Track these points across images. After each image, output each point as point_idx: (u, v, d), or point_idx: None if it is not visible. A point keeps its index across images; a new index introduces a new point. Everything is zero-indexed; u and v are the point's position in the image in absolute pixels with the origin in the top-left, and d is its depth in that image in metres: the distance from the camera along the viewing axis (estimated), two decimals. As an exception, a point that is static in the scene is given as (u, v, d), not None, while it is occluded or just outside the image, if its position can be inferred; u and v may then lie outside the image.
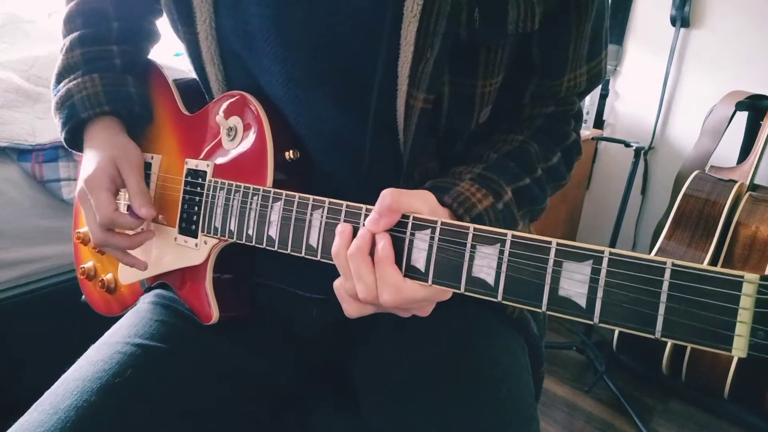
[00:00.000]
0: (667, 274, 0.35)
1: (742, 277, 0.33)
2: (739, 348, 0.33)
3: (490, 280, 0.43)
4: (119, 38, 0.75)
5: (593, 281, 0.38)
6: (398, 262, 0.48)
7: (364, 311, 0.51)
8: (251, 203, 0.59)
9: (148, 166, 0.73)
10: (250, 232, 0.60)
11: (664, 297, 0.35)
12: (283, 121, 0.63)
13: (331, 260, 0.51)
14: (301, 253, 0.55)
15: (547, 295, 0.40)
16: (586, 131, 2.11)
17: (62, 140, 0.73)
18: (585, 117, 2.11)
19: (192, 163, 0.68)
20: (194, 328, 0.67)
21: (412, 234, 0.47)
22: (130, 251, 0.70)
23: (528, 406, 0.62)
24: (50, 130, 1.29)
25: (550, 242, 0.40)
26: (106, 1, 0.75)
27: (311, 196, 0.54)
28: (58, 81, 0.73)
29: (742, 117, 1.79)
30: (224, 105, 0.65)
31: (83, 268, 0.81)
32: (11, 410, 0.61)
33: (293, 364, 0.73)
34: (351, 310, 0.51)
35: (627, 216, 1.89)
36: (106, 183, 0.66)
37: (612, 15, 2.10)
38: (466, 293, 0.45)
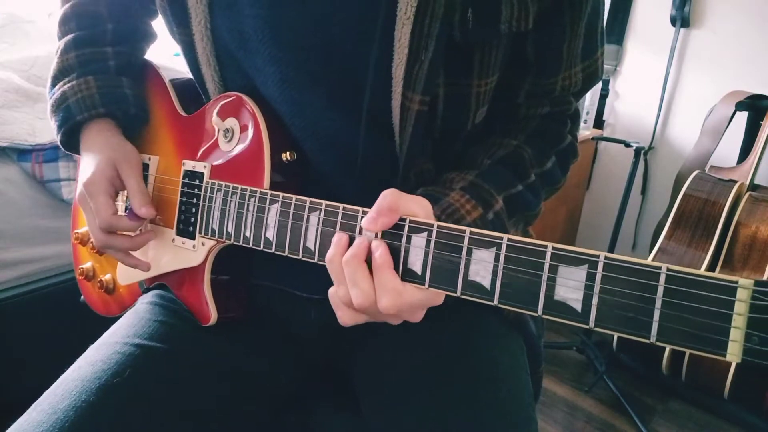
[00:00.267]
0: (662, 279, 0.35)
1: (736, 282, 0.33)
2: (734, 353, 0.33)
3: (486, 283, 0.43)
4: (114, 40, 0.75)
5: (588, 286, 0.38)
6: (395, 265, 0.48)
7: (358, 319, 0.51)
8: (248, 205, 0.59)
9: (145, 167, 0.73)
10: (247, 234, 0.60)
11: (659, 303, 0.35)
12: (280, 122, 0.63)
13: None
14: (298, 255, 0.55)
15: (543, 300, 0.40)
16: (586, 131, 2.11)
17: (58, 143, 0.73)
18: (585, 117, 2.10)
19: (189, 165, 0.68)
20: (193, 329, 0.67)
21: (409, 237, 0.47)
22: (132, 252, 0.70)
23: (527, 407, 0.62)
24: (50, 130, 1.28)
25: (545, 246, 0.40)
26: (100, 3, 0.75)
27: (308, 199, 0.54)
28: (54, 84, 0.73)
29: (742, 117, 1.79)
30: (221, 106, 0.65)
31: (82, 268, 0.82)
32: (11, 410, 0.61)
33: (293, 365, 0.73)
34: (345, 317, 0.51)
35: (627, 216, 1.89)
36: (105, 186, 0.66)
37: (612, 15, 2.10)
38: (463, 297, 0.45)
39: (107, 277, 0.79)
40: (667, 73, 2.01)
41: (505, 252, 0.42)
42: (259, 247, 0.58)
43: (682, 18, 1.93)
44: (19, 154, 1.24)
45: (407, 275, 0.48)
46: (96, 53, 0.73)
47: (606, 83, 2.19)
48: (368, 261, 0.48)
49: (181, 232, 0.68)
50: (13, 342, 1.23)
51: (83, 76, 0.71)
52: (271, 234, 0.57)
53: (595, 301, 0.38)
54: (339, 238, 0.50)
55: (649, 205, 2.17)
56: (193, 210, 0.66)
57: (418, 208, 0.49)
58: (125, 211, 0.67)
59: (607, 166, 2.27)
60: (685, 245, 1.64)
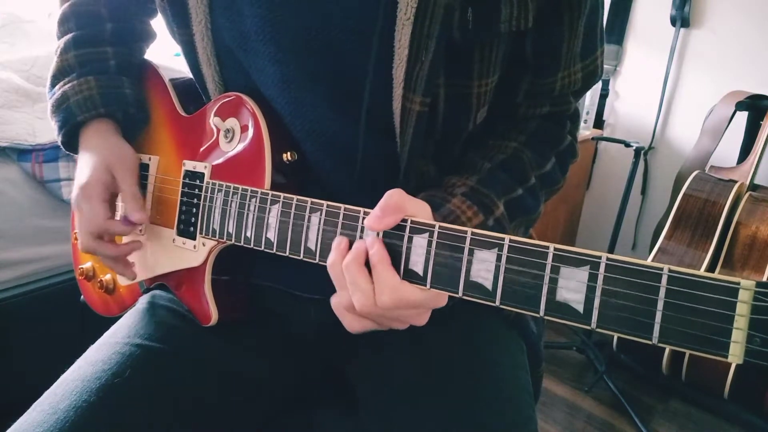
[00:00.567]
0: (664, 280, 0.35)
1: (738, 283, 0.33)
2: (736, 354, 0.33)
3: (488, 284, 0.43)
4: (113, 39, 0.75)
5: (590, 287, 0.38)
6: (396, 266, 0.48)
7: (366, 325, 0.51)
8: (249, 205, 0.59)
9: (145, 167, 0.73)
10: (248, 234, 0.60)
11: (660, 304, 0.35)
12: (280, 122, 0.63)
13: None
14: (299, 255, 0.55)
15: (545, 301, 0.40)
16: (586, 131, 2.11)
17: (59, 143, 0.73)
18: (585, 117, 2.10)
19: (190, 165, 0.68)
20: (193, 329, 0.67)
21: (410, 237, 0.47)
22: (120, 258, 0.70)
23: (526, 407, 0.62)
24: (50, 130, 1.28)
25: (547, 247, 0.40)
26: (99, 3, 0.75)
27: (309, 199, 0.54)
28: (53, 84, 0.73)
29: (742, 117, 1.79)
30: (221, 106, 0.65)
31: (82, 268, 0.82)
32: (11, 410, 0.61)
33: (293, 365, 0.73)
34: (352, 324, 0.52)
35: (627, 216, 1.89)
36: (99, 191, 0.66)
37: (612, 15, 2.09)
38: (464, 297, 0.45)
39: (107, 277, 0.79)
40: (667, 73, 2.01)
41: (507, 253, 0.42)
42: (260, 247, 0.58)
43: (682, 18, 1.93)
44: (19, 154, 1.24)
45: (409, 276, 0.48)
46: (96, 53, 0.73)
47: (606, 83, 2.19)
48: (368, 264, 0.49)
49: (181, 233, 0.68)
50: (13, 342, 1.23)
51: (83, 75, 0.71)
52: (272, 234, 0.57)
53: (596, 302, 0.38)
54: (339, 242, 0.50)
55: (649, 205, 2.17)
56: (194, 210, 0.66)
57: (419, 211, 0.49)
58: (123, 214, 0.67)
59: (607, 166, 2.27)
60: (685, 245, 1.64)
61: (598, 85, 2.16)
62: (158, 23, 0.76)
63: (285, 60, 0.59)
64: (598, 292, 0.38)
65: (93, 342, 0.66)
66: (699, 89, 1.98)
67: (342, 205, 0.52)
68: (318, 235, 0.53)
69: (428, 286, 0.47)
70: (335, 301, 0.52)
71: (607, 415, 1.68)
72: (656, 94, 2.05)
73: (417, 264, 0.47)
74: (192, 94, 0.73)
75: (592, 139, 2.05)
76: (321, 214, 0.53)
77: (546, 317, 0.40)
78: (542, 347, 0.75)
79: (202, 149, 0.67)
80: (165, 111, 0.74)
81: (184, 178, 0.68)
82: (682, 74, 2.01)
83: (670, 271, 0.35)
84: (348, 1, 0.55)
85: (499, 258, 0.43)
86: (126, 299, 0.78)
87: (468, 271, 0.44)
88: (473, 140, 0.67)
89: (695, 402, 1.73)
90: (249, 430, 0.66)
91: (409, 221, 0.48)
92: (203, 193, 0.65)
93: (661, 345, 0.35)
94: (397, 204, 0.48)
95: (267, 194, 0.58)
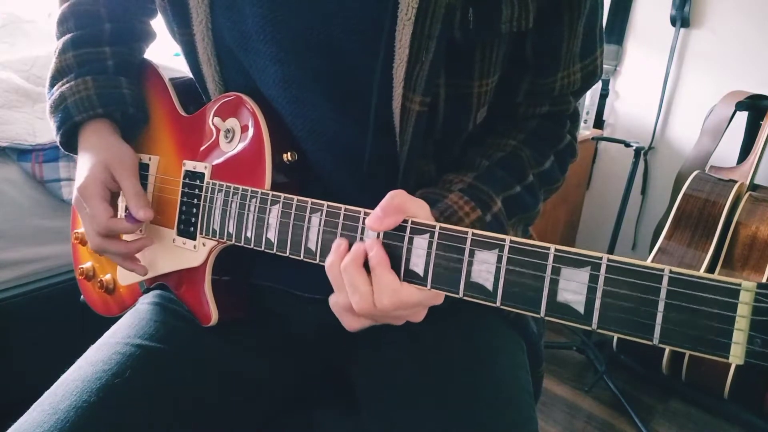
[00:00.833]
0: (665, 281, 0.35)
1: (739, 284, 0.33)
2: (736, 355, 0.33)
3: (489, 285, 0.43)
4: (112, 39, 0.74)
5: (591, 288, 0.38)
6: (397, 266, 0.48)
7: (364, 324, 0.52)
8: (249, 205, 0.59)
9: (145, 167, 0.73)
10: (248, 235, 0.60)
11: (661, 305, 0.35)
12: (281, 122, 0.63)
13: None
14: (299, 256, 0.55)
15: (546, 302, 0.40)
16: (586, 131, 2.11)
17: (58, 143, 0.73)
18: (585, 117, 2.10)
19: (190, 165, 0.68)
20: (193, 329, 0.67)
21: (411, 238, 0.47)
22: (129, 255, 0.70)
23: (527, 406, 0.62)
24: (50, 130, 1.27)
25: (548, 248, 0.40)
26: (98, 3, 0.75)
27: (309, 200, 0.54)
28: (52, 84, 0.73)
29: (742, 117, 1.79)
30: (221, 106, 0.65)
31: (82, 268, 0.81)
32: (11, 410, 0.61)
33: (293, 365, 0.73)
34: (351, 323, 0.52)
35: (627, 216, 1.89)
36: (99, 190, 0.66)
37: (612, 15, 2.09)
38: (465, 298, 0.45)
39: (107, 277, 0.79)
40: (667, 73, 2.01)
41: (508, 253, 0.42)
42: (261, 247, 0.58)
43: (682, 18, 1.93)
44: (19, 154, 1.24)
45: (409, 276, 0.48)
46: (94, 53, 0.73)
47: (606, 83, 2.19)
48: (367, 265, 0.49)
49: (181, 233, 0.68)
50: (13, 342, 1.23)
51: (81, 76, 0.71)
52: (272, 235, 0.57)
53: (597, 303, 0.38)
54: (339, 244, 0.50)
55: (649, 205, 2.17)
56: (194, 210, 0.66)
57: (419, 211, 0.49)
58: (125, 212, 0.67)
59: (607, 166, 2.27)
60: (685, 245, 1.64)
61: (598, 85, 2.16)
62: (158, 23, 0.76)
63: (286, 59, 0.59)
64: (599, 293, 0.38)
65: (93, 342, 0.66)
66: (699, 89, 1.98)
67: (342, 206, 0.52)
68: (318, 235, 0.53)
69: (429, 286, 0.47)
70: (333, 301, 0.52)
71: (607, 415, 1.68)
72: (656, 94, 2.05)
73: (417, 265, 0.47)
74: (192, 93, 0.73)
75: (592, 139, 2.04)
76: (321, 215, 0.53)
77: (547, 318, 0.40)
78: (543, 347, 0.75)
79: (202, 149, 0.67)
80: (165, 111, 0.74)
81: (184, 178, 0.68)
82: (682, 74, 2.01)
83: (671, 272, 0.35)
84: (349, 0, 0.55)
85: (499, 259, 0.43)
86: (126, 299, 0.78)
87: (468, 271, 0.44)
88: (473, 140, 0.67)
89: (695, 402, 1.73)
90: (249, 430, 0.66)
91: (409, 222, 0.48)
92: (203, 193, 0.65)
93: (661, 346, 0.35)
94: (399, 205, 0.48)
95: (267, 194, 0.58)
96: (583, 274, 0.39)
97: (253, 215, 0.59)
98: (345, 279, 0.49)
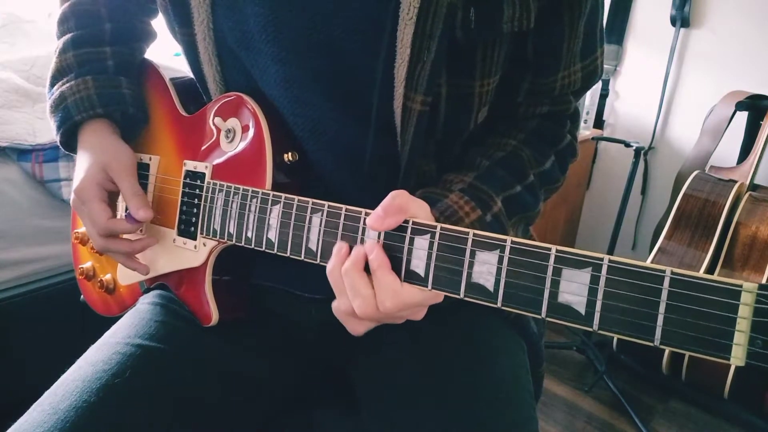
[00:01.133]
0: (666, 282, 0.35)
1: (740, 286, 0.33)
2: (738, 357, 0.33)
3: (490, 286, 0.43)
4: (112, 39, 0.74)
5: (592, 289, 0.38)
6: (397, 267, 0.48)
7: (368, 326, 0.52)
8: (250, 205, 0.59)
9: (146, 167, 0.73)
10: (249, 235, 0.60)
11: (662, 306, 0.35)
12: (282, 122, 0.63)
13: None
14: (300, 256, 0.55)
15: (547, 302, 0.40)
16: (586, 131, 2.11)
17: (58, 143, 0.73)
18: (585, 117, 2.10)
19: (191, 165, 0.68)
20: (194, 329, 0.67)
21: (412, 239, 0.47)
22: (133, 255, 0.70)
23: (527, 406, 0.62)
24: (50, 130, 1.27)
25: (549, 249, 0.40)
26: (98, 3, 0.75)
27: (310, 200, 0.54)
28: (52, 84, 0.73)
29: (742, 117, 1.79)
30: (222, 106, 0.65)
31: (82, 268, 0.81)
32: (11, 410, 0.61)
33: (293, 365, 0.73)
34: (356, 327, 0.52)
35: (627, 216, 1.89)
36: (95, 192, 0.66)
37: (612, 15, 2.09)
38: (466, 299, 0.45)
39: (107, 276, 0.79)
40: (667, 73, 2.01)
41: (509, 254, 0.42)
42: (261, 247, 0.58)
43: (682, 18, 1.93)
44: (19, 154, 1.24)
45: (410, 277, 0.48)
46: (94, 53, 0.73)
47: (606, 83, 2.19)
48: (367, 268, 0.49)
49: (182, 233, 0.67)
50: (13, 342, 1.23)
51: (81, 76, 0.71)
52: (273, 235, 0.57)
53: (598, 304, 0.38)
54: (339, 247, 0.50)
55: (649, 205, 2.17)
56: (195, 210, 0.66)
57: (419, 210, 0.49)
58: (125, 212, 0.67)
59: (607, 166, 2.27)
60: (685, 245, 1.64)
61: (598, 85, 2.16)
62: (158, 23, 0.76)
63: (287, 59, 0.59)
64: (600, 294, 0.38)
65: (93, 342, 0.66)
66: (699, 89, 1.98)
67: (343, 206, 0.52)
68: (319, 235, 0.53)
69: (429, 287, 0.47)
70: (335, 306, 0.52)
71: (607, 415, 1.68)
72: (656, 94, 2.05)
73: (418, 266, 0.47)
74: (192, 93, 0.73)
75: (592, 139, 2.04)
76: (322, 215, 0.53)
77: (548, 319, 0.40)
78: (543, 347, 0.75)
79: (202, 149, 0.67)
80: (165, 111, 0.74)
81: (184, 178, 0.68)
82: (682, 74, 2.01)
83: (672, 273, 0.35)
84: (350, 0, 0.55)
85: (500, 260, 0.42)
86: (126, 299, 0.78)
87: (469, 272, 0.44)
88: (473, 139, 0.67)
89: (695, 402, 1.73)
90: (249, 430, 0.66)
91: (410, 222, 0.48)
92: (204, 194, 0.65)
93: (662, 347, 0.35)
94: (400, 205, 0.48)
95: (268, 195, 0.58)
96: (584, 275, 0.38)
97: (254, 215, 0.59)
98: (346, 283, 0.49)
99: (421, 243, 0.47)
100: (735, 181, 1.62)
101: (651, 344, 0.36)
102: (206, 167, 0.66)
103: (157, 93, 0.75)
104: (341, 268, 0.49)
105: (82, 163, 0.68)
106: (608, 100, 2.21)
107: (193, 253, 0.66)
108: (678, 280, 0.35)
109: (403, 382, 0.62)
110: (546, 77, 0.65)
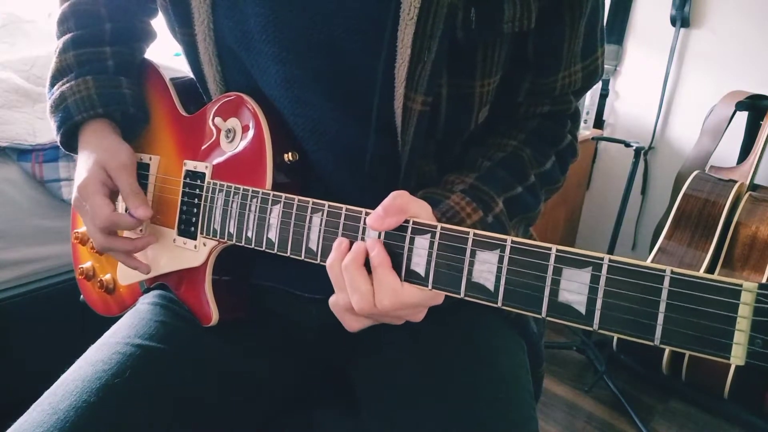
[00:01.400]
0: (666, 281, 0.35)
1: (740, 285, 0.33)
2: (738, 356, 0.33)
3: (490, 285, 0.43)
4: (112, 39, 0.74)
5: (592, 288, 0.38)
6: (397, 266, 0.48)
7: (364, 323, 0.52)
8: (250, 205, 0.59)
9: (146, 167, 0.73)
10: (249, 235, 0.60)
11: (663, 306, 0.35)
12: (282, 122, 0.63)
13: None
14: (300, 256, 0.55)
15: (547, 302, 0.40)
16: (586, 131, 2.11)
17: (58, 143, 0.73)
18: (585, 117, 2.10)
19: (191, 165, 0.68)
20: (194, 329, 0.67)
21: (412, 238, 0.47)
22: (133, 254, 0.70)
23: (527, 406, 0.62)
24: (50, 130, 1.27)
25: (549, 248, 0.40)
26: (98, 2, 0.75)
27: (311, 200, 0.54)
28: (52, 83, 0.73)
29: (742, 117, 1.79)
30: (222, 106, 0.65)
31: (82, 268, 0.81)
32: (11, 410, 0.61)
33: (293, 365, 0.73)
34: (352, 323, 0.52)
35: (627, 216, 1.89)
36: (97, 187, 0.66)
37: (612, 15, 2.09)
38: (466, 298, 0.45)
39: (107, 276, 0.79)
40: (667, 73, 2.01)
41: (509, 254, 0.42)
42: (261, 247, 0.58)
43: (682, 18, 1.93)
44: (19, 154, 1.24)
45: (410, 277, 0.48)
46: (94, 53, 0.73)
47: (606, 83, 2.19)
48: (368, 265, 0.49)
49: (182, 233, 0.67)
50: (13, 342, 1.23)
51: (81, 75, 0.71)
52: (273, 235, 0.57)
53: (599, 303, 0.38)
54: (340, 243, 0.50)
55: (649, 205, 2.17)
56: (195, 210, 0.66)
57: (420, 210, 0.49)
58: (125, 212, 0.67)
59: (607, 166, 2.27)
60: (685, 245, 1.64)
61: (598, 85, 2.16)
62: (158, 23, 0.76)
63: (287, 59, 0.59)
64: (600, 294, 0.38)
65: (93, 342, 0.66)
66: (699, 89, 1.98)
67: (343, 206, 0.52)
68: (319, 235, 0.53)
69: (430, 287, 0.47)
70: (333, 301, 0.52)
71: (607, 415, 1.68)
72: (656, 94, 2.05)
73: (419, 265, 0.47)
74: (192, 93, 0.73)
75: (592, 139, 2.05)
76: (322, 215, 0.53)
77: (548, 318, 0.40)
78: (543, 347, 0.75)
79: (203, 149, 0.67)
80: (165, 111, 0.74)
81: (184, 177, 0.68)
82: (682, 74, 2.01)
83: (672, 272, 0.35)
84: (350, 0, 0.55)
85: (501, 259, 0.43)
86: (126, 299, 0.78)
87: (470, 272, 0.44)
88: (474, 139, 0.67)
89: (695, 402, 1.73)
90: (249, 430, 0.66)
91: (411, 222, 0.48)
92: (204, 193, 0.65)
93: (663, 346, 0.35)
94: (401, 205, 0.48)
95: (268, 194, 0.58)
96: (585, 275, 0.38)
97: (254, 215, 0.59)
98: (345, 278, 0.49)
99: (422, 242, 0.47)
100: (735, 181, 1.62)
101: (651, 344, 0.36)
102: (206, 167, 0.66)
103: (157, 93, 0.75)
104: (341, 263, 0.49)
105: (84, 162, 0.68)
106: (608, 100, 2.21)
107: (193, 253, 0.66)
108: (678, 280, 0.35)
109: (403, 382, 0.62)
110: (546, 77, 0.65)
